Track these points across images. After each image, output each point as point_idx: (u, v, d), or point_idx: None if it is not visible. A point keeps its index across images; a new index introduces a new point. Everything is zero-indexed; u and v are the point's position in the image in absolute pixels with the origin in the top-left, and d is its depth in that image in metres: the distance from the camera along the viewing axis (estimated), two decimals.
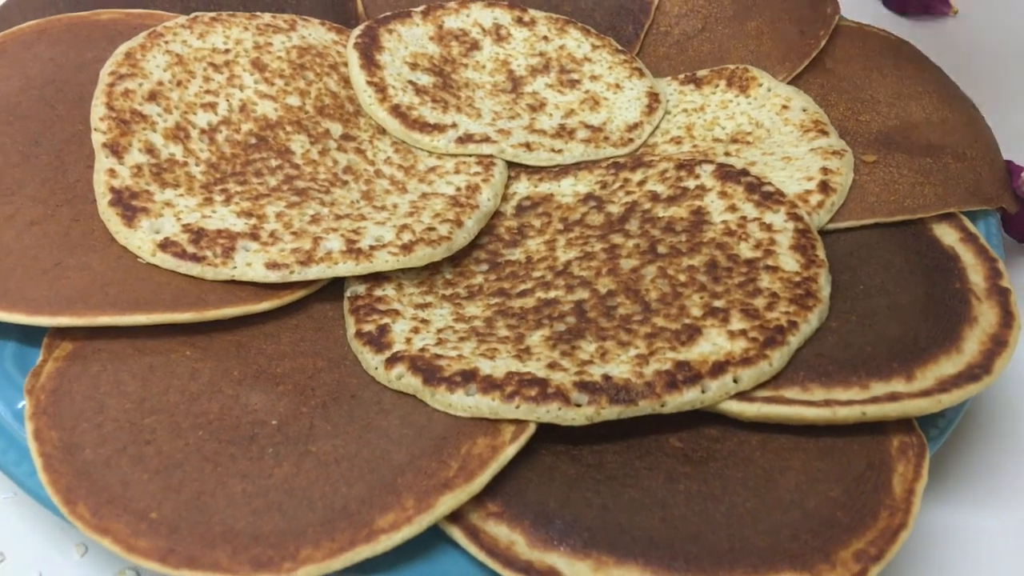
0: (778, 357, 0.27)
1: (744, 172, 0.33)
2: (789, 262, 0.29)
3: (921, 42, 0.47)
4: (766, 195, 0.32)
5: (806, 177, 0.33)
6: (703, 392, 0.26)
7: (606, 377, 0.26)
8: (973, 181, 0.34)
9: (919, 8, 0.48)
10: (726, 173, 0.33)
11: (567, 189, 0.35)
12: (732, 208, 0.31)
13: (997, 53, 0.48)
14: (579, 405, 0.26)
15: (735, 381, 0.26)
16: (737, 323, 0.27)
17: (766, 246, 0.29)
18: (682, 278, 0.29)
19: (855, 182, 0.33)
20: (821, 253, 0.30)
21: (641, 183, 0.34)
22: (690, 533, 0.24)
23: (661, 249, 0.30)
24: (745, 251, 0.29)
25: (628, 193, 0.34)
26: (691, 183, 0.33)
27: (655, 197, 0.33)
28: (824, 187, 0.32)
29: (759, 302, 0.28)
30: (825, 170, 0.33)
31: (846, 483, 0.25)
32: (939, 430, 0.27)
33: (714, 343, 0.27)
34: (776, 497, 0.25)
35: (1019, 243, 0.38)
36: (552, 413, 0.26)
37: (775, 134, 0.36)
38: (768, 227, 0.30)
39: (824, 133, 0.36)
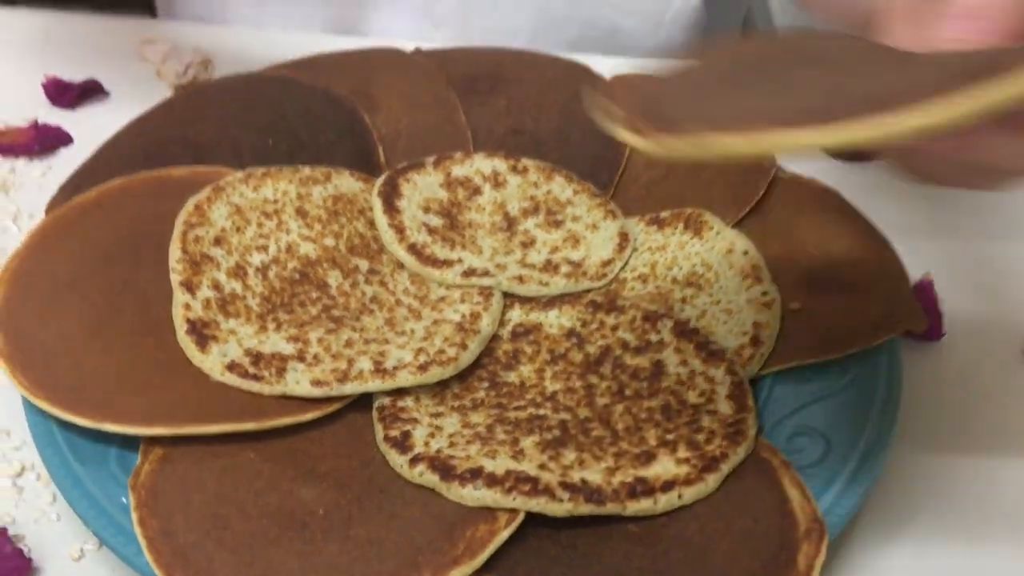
0: (713, 479, 0.36)
1: (695, 331, 0.41)
2: (725, 408, 0.38)
3: (855, 177, 0.56)
4: (711, 353, 0.40)
5: (742, 332, 0.42)
6: (655, 503, 0.35)
7: (583, 481, 0.34)
8: (879, 314, 0.42)
9: (853, 156, 0.57)
10: (681, 331, 0.41)
11: (553, 320, 0.43)
12: (684, 363, 0.40)
13: (924, 188, 0.57)
14: (562, 500, 0.34)
15: (680, 496, 0.35)
16: (683, 452, 0.36)
17: (708, 395, 0.38)
18: (643, 415, 0.38)
19: (781, 330, 0.42)
20: (750, 401, 0.38)
21: (614, 328, 0.42)
22: None
23: (628, 392, 0.39)
24: (692, 398, 0.38)
25: (603, 337, 0.42)
26: (653, 336, 0.41)
27: (625, 345, 0.41)
28: (755, 341, 0.41)
29: (701, 437, 0.37)
30: (757, 324, 0.42)
31: (763, 559, 0.33)
32: (839, 518, 0.35)
33: (665, 466, 0.36)
34: (709, 570, 0.32)
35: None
36: (540, 505, 0.34)
37: (721, 278, 0.45)
38: (711, 380, 0.39)
39: (759, 280, 0.44)
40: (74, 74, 0.58)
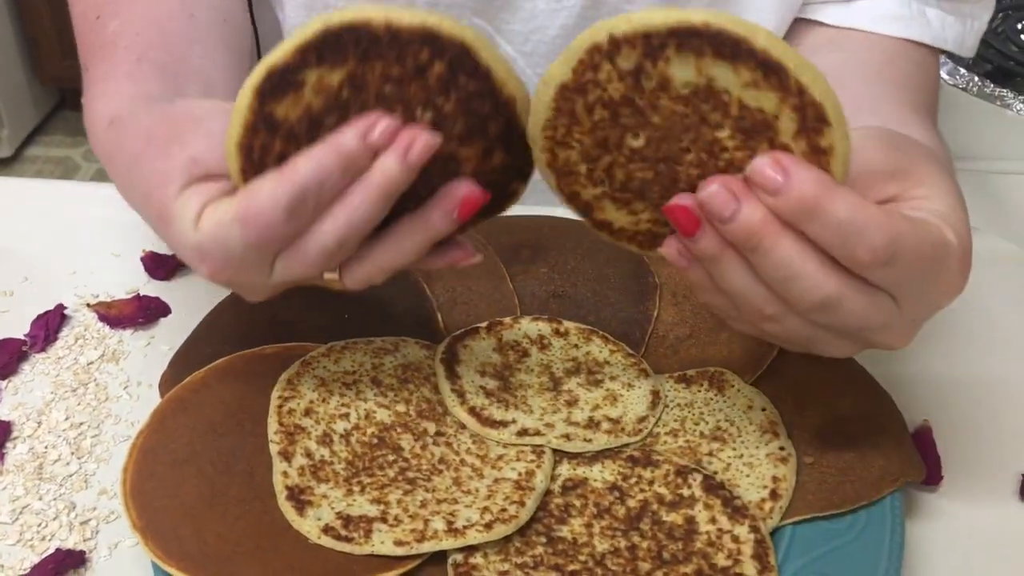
0: None
1: (721, 485, 0.48)
2: (750, 569, 0.44)
3: None
4: (736, 509, 0.46)
5: (762, 485, 0.48)
6: None
7: None
8: (882, 467, 0.48)
9: None
10: (709, 486, 0.48)
11: (597, 475, 0.50)
12: (713, 520, 0.46)
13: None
14: None
15: None
16: None
17: (735, 556, 0.44)
18: None
19: (797, 482, 0.48)
20: (773, 560, 0.44)
21: (650, 482, 0.49)
22: None
23: (665, 555, 0.45)
24: (721, 560, 0.44)
25: (642, 491, 0.48)
26: (685, 491, 0.48)
27: (660, 500, 0.48)
28: (774, 494, 0.47)
29: None
30: (775, 478, 0.48)
31: None
32: None
33: None
34: None
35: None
36: None
37: (743, 433, 0.51)
38: (736, 539, 0.45)
39: (776, 435, 0.50)
40: (166, 246, 0.66)
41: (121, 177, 0.47)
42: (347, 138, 0.38)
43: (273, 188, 0.39)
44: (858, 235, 0.36)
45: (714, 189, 0.37)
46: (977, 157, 0.86)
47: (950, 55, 0.97)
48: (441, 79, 0.38)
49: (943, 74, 0.95)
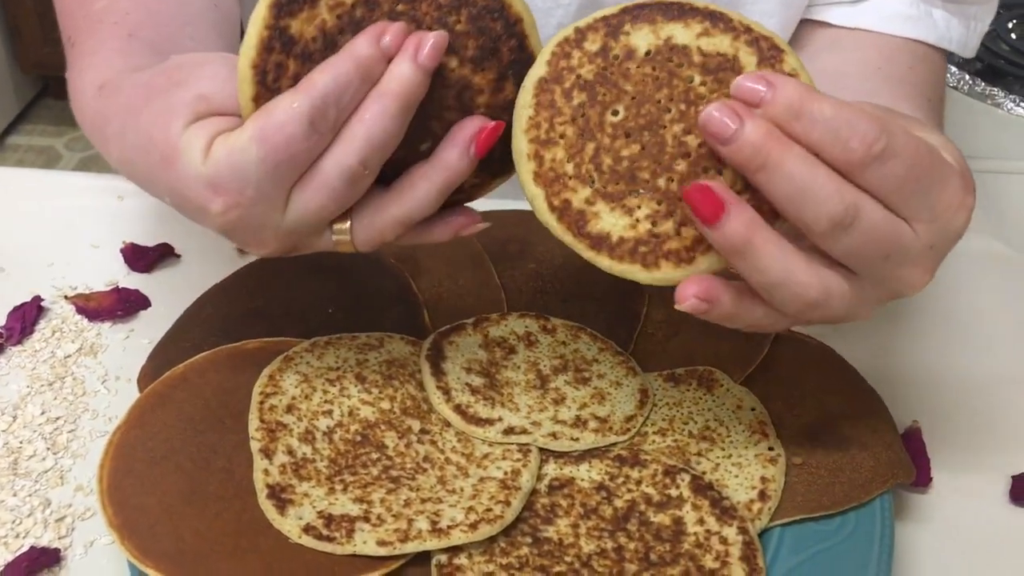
0: None
1: (710, 486, 0.47)
2: (738, 571, 0.43)
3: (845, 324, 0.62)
4: (724, 510, 0.46)
5: (751, 486, 0.47)
6: None
7: None
8: (872, 469, 0.48)
9: None
10: (698, 486, 0.47)
11: (584, 474, 0.49)
12: (701, 521, 0.45)
13: (909, 333, 0.63)
14: None
15: None
16: None
17: (723, 558, 0.44)
18: None
19: (787, 483, 0.47)
20: (761, 562, 0.44)
21: (638, 482, 0.48)
22: None
23: (653, 557, 0.44)
24: (709, 562, 0.44)
25: (629, 491, 0.48)
26: (673, 491, 0.47)
27: (648, 500, 0.47)
28: (763, 495, 0.47)
29: None
30: (764, 479, 0.47)
31: None
32: None
33: None
34: None
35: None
36: None
37: (732, 433, 0.50)
38: (724, 540, 0.44)
39: (765, 436, 0.50)
40: (147, 238, 0.65)
41: (115, 138, 0.44)
42: (361, 45, 0.38)
43: (291, 102, 0.37)
44: (849, 127, 0.35)
45: (715, 108, 0.36)
46: (967, 156, 0.86)
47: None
48: None
49: None
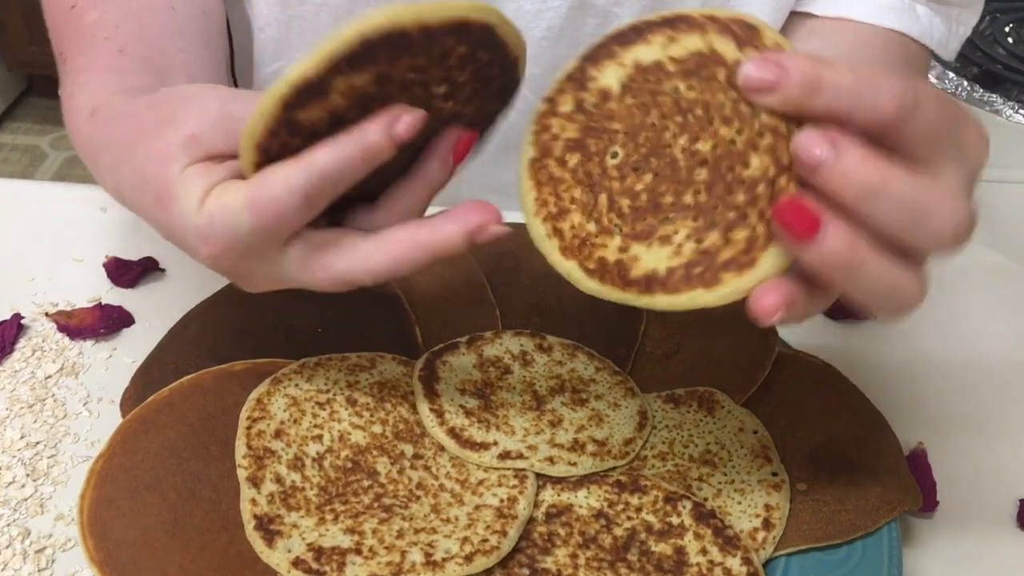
0: None
1: (712, 514, 0.45)
2: None
3: (846, 340, 0.61)
4: (727, 539, 0.44)
5: (755, 513, 0.46)
6: None
7: None
8: (879, 495, 0.47)
9: (847, 314, 0.63)
10: (700, 514, 0.45)
11: (583, 501, 0.48)
12: (703, 551, 0.44)
13: (910, 351, 0.62)
14: None
15: None
16: None
17: None
18: None
19: (791, 511, 0.46)
20: None
21: (638, 509, 0.46)
22: None
23: None
24: None
25: (629, 518, 0.46)
26: (675, 519, 0.46)
27: (649, 528, 0.45)
28: (767, 524, 0.45)
29: None
30: (768, 506, 0.46)
31: None
32: None
33: None
34: None
35: None
36: None
37: (734, 457, 0.49)
38: (728, 571, 0.43)
39: (768, 460, 0.48)
40: (131, 251, 0.63)
41: (108, 170, 0.44)
42: (372, 131, 0.37)
43: (288, 176, 0.37)
44: (873, 88, 0.34)
45: (805, 136, 0.34)
46: None
47: (938, 59, 0.95)
48: (462, 58, 0.38)
49: (932, 78, 0.94)
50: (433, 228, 0.39)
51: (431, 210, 0.42)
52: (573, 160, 0.39)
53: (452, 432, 0.50)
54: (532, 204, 0.40)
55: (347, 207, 0.41)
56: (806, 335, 0.60)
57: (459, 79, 0.39)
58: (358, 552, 0.43)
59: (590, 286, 0.39)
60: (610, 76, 0.39)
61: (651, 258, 0.38)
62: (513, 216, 0.65)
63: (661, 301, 0.37)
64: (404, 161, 0.41)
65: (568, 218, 0.39)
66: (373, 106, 0.37)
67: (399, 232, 0.39)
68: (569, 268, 0.40)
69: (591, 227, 0.39)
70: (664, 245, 0.38)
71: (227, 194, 0.38)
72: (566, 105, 0.39)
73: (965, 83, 0.92)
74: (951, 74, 0.94)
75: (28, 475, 0.49)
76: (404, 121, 0.37)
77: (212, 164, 0.39)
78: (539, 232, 0.40)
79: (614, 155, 0.39)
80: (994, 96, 0.91)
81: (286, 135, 0.37)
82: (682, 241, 0.37)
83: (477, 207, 0.39)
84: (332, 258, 0.39)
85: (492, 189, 0.66)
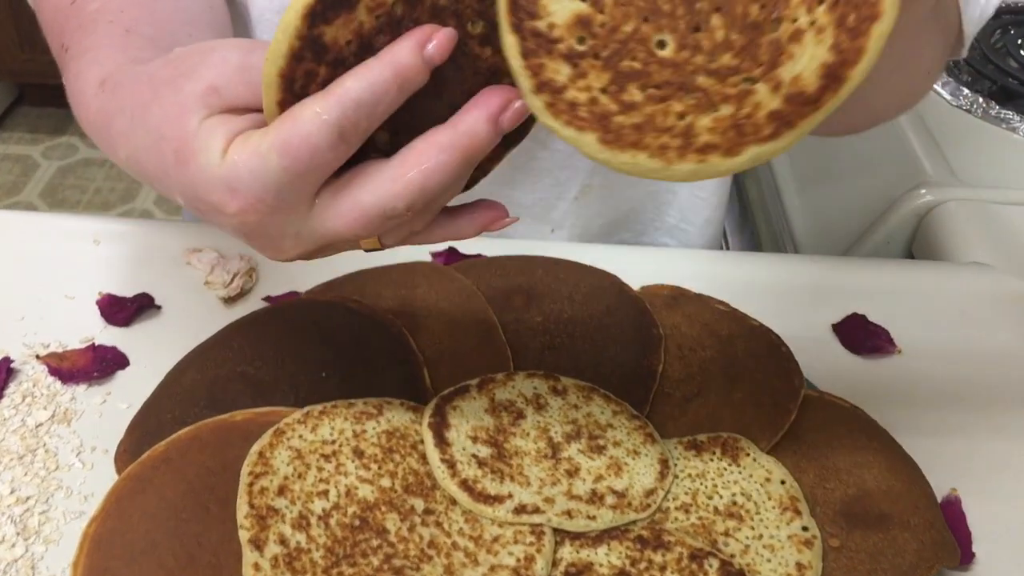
0: None
1: (741, 573, 0.43)
2: None
3: (871, 376, 0.59)
4: None
5: (785, 573, 0.43)
6: None
7: None
8: (916, 552, 0.44)
9: (870, 349, 0.60)
10: (728, 573, 0.43)
11: (603, 559, 0.45)
12: None
13: (937, 387, 0.59)
14: None
15: None
16: None
17: None
18: None
19: (824, 569, 0.44)
20: None
21: (662, 568, 0.44)
22: None
23: None
24: None
25: None
26: None
27: None
28: None
29: None
30: (800, 565, 0.44)
31: None
32: None
33: None
34: None
35: None
36: None
37: (761, 509, 0.47)
38: None
39: (798, 513, 0.46)
40: (125, 287, 0.60)
41: (122, 136, 0.41)
42: (402, 52, 0.34)
43: (318, 110, 0.34)
44: None
45: None
46: (982, 185, 0.83)
47: (951, 76, 0.93)
48: None
49: (946, 94, 0.91)
50: (454, 125, 0.35)
51: None
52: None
53: (465, 484, 0.47)
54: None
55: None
56: (828, 370, 0.58)
57: (495, 17, 0.35)
58: None
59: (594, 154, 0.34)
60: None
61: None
62: (525, 249, 0.63)
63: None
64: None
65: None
66: (402, 31, 0.35)
67: (419, 143, 0.35)
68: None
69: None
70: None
71: (253, 139, 0.35)
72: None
73: (981, 100, 0.90)
74: (966, 90, 0.92)
75: (18, 533, 0.47)
76: (437, 40, 0.34)
77: (233, 115, 0.36)
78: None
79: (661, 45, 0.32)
80: (1010, 113, 0.89)
81: (311, 61, 0.34)
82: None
83: (493, 91, 0.35)
84: (359, 191, 0.35)
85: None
